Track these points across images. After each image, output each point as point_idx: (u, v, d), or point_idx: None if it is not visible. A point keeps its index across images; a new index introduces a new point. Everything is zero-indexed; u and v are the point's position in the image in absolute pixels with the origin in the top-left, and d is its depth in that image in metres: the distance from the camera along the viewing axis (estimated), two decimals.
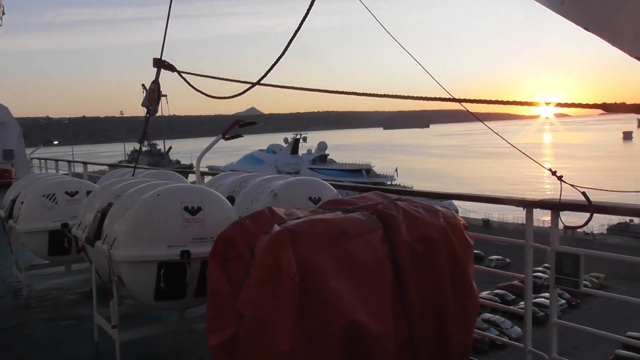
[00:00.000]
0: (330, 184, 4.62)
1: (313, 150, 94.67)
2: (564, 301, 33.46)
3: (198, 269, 3.65)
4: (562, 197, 3.53)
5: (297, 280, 2.39)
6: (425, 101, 3.09)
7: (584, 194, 3.38)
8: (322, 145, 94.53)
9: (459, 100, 2.78)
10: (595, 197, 3.61)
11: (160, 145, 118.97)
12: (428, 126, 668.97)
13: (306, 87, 3.59)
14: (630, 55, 2.04)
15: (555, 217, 3.58)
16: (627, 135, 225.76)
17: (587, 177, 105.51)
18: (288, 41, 3.58)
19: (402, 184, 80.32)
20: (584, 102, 2.11)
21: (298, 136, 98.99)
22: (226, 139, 5.74)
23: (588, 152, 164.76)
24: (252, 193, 4.26)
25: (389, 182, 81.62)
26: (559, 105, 2.22)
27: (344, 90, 3.38)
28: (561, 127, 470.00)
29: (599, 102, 2.06)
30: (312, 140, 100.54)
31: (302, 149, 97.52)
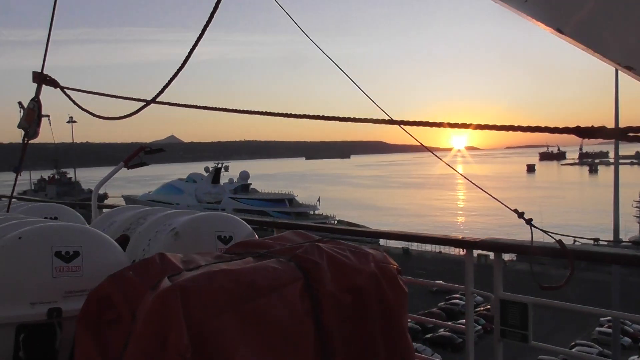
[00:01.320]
0: (245, 218, 3.93)
1: (235, 180, 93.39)
2: (479, 327, 34.82)
3: (73, 332, 2.69)
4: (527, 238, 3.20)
5: (188, 356, 1.87)
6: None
7: (559, 242, 3.00)
8: (244, 175, 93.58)
9: (399, 123, 2.42)
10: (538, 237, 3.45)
11: (70, 173, 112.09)
12: (349, 157, 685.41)
13: (217, 107, 3.20)
14: (619, 64, 1.66)
15: (498, 259, 3.20)
16: (530, 168, 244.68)
17: (492, 207, 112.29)
18: (183, 60, 3.31)
19: (324, 214, 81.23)
20: (550, 126, 1.70)
21: (219, 165, 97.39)
22: (129, 167, 5.11)
23: (494, 183, 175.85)
24: (150, 231, 3.48)
25: (311, 212, 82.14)
26: (528, 129, 1.74)
27: (254, 110, 2.96)
28: (471, 159, 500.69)
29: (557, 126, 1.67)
30: (234, 169, 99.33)
31: (224, 178, 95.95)
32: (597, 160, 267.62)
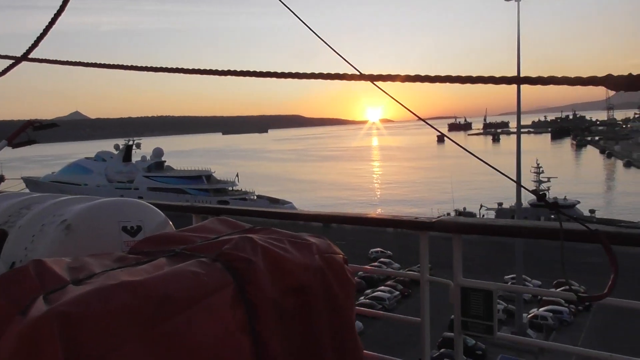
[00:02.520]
0: (157, 203, 3.26)
1: (148, 157, 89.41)
2: (397, 292, 36.38)
3: None
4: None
5: None
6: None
7: (580, 221, 2.21)
8: (158, 152, 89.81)
9: (368, 78, 1.95)
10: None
11: None
12: (266, 131, 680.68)
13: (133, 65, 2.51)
14: None
15: (457, 242, 2.74)
16: (440, 139, 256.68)
17: (405, 175, 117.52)
18: (54, 14, 2.87)
19: (243, 189, 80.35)
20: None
21: (130, 142, 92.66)
22: (14, 146, 4.27)
23: (408, 154, 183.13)
24: (34, 225, 2.78)
25: (230, 188, 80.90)
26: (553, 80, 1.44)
27: (177, 68, 2.34)
28: (385, 131, 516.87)
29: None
30: (146, 146, 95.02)
31: (136, 156, 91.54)
32: (499, 130, 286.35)
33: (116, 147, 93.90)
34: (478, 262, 43.13)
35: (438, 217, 2.85)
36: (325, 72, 1.96)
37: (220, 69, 2.23)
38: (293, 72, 2.04)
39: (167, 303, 1.65)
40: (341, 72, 1.94)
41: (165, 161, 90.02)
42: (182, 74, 2.38)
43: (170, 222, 2.86)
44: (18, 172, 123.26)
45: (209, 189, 79.89)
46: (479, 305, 2.69)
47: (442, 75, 1.62)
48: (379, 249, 47.04)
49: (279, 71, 2.03)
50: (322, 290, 2.13)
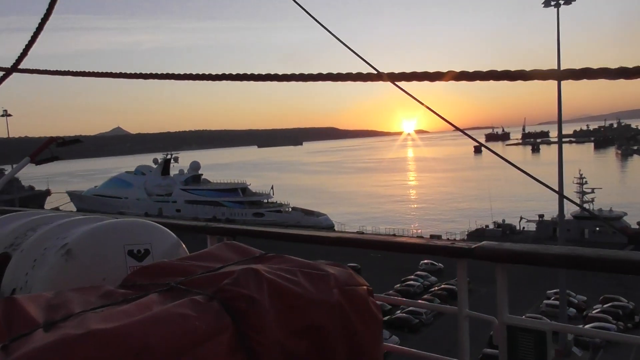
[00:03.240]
0: (170, 222, 3.14)
1: (185, 171, 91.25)
2: None
3: None
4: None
5: None
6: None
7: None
8: (195, 165, 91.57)
9: (388, 78, 1.83)
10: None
11: (8, 170, 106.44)
12: (301, 143, 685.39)
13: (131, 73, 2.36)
14: None
15: (502, 272, 2.32)
16: (477, 149, 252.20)
17: (441, 187, 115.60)
18: (40, 21, 2.80)
19: (278, 201, 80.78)
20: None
21: (169, 156, 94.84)
22: (37, 163, 4.29)
23: (444, 165, 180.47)
24: (37, 248, 2.58)
25: (265, 200, 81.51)
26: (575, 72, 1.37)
27: (208, 74, 2.13)
28: (421, 142, 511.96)
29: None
30: (184, 160, 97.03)
31: (174, 170, 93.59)
32: (538, 140, 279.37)
33: (155, 161, 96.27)
34: (516, 275, 41.80)
35: (477, 244, 2.37)
36: (342, 73, 1.79)
37: (214, 74, 2.07)
38: (305, 73, 1.86)
39: (147, 355, 1.37)
40: (361, 73, 1.77)
41: (202, 174, 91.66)
42: (177, 80, 2.27)
43: (183, 245, 2.59)
44: (64, 186, 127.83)
45: (245, 202, 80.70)
46: (529, 348, 2.25)
47: (470, 71, 1.59)
48: (428, 260, 46.00)
49: (289, 74, 1.91)
50: (340, 329, 1.81)
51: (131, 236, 2.48)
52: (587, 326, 30.83)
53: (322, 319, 1.78)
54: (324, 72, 1.82)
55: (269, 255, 2.10)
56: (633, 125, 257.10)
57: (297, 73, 1.89)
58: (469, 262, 2.41)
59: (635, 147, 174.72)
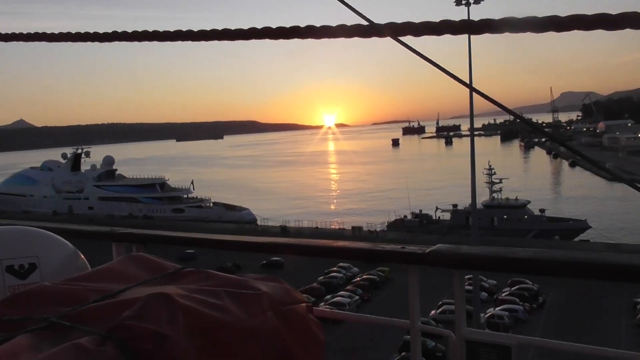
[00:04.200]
0: (68, 229, 2.70)
1: (98, 166, 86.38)
2: (357, 297, 36.30)
3: None
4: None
5: None
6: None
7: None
8: (109, 160, 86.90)
9: (390, 33, 1.27)
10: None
11: None
12: (222, 137, 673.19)
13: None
14: None
15: (460, 280, 2.02)
16: (395, 142, 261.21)
17: (362, 179, 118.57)
18: None
19: (198, 196, 78.77)
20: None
21: (79, 150, 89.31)
22: None
23: (364, 158, 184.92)
24: None
25: (185, 195, 79.17)
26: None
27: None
28: (341, 136, 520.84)
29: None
30: (96, 154, 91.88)
31: (86, 165, 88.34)
32: (451, 133, 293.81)
33: (64, 156, 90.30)
34: None
35: (431, 248, 2.03)
36: (332, 26, 1.37)
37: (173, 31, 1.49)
38: (287, 27, 1.40)
39: None
40: (359, 25, 1.35)
41: (116, 169, 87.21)
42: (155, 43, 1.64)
43: (82, 256, 2.12)
44: None
45: (163, 197, 77.89)
46: None
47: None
48: None
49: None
50: (277, 358, 1.54)
51: (10, 248, 1.98)
52: (497, 309, 32.90)
53: (254, 351, 1.47)
54: (311, 25, 1.39)
55: (186, 270, 1.71)
56: (534, 119, 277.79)
57: (274, 27, 1.44)
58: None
59: (536, 140, 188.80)
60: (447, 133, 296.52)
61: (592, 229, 53.83)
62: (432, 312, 31.58)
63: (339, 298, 35.38)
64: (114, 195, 79.75)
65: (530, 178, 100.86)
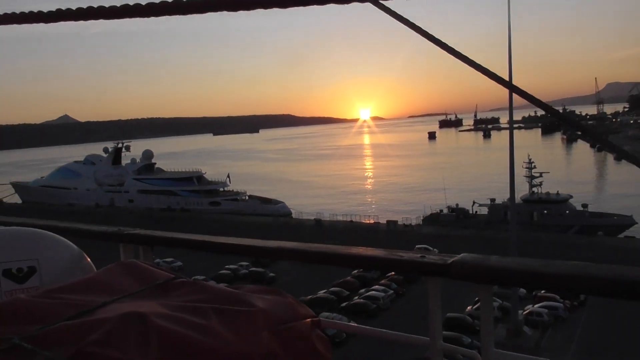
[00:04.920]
0: (71, 229, 2.62)
1: (138, 160, 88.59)
2: (392, 292, 35.97)
3: None
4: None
5: None
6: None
7: None
8: (148, 154, 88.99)
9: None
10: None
11: None
12: (257, 131, 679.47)
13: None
14: None
15: (487, 295, 1.76)
16: (432, 136, 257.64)
17: (397, 172, 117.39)
18: None
19: (234, 190, 79.76)
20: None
21: (120, 145, 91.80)
22: None
23: (400, 152, 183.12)
24: None
25: (221, 189, 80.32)
26: None
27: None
28: (376, 129, 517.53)
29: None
30: (136, 149, 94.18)
31: (126, 159, 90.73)
32: (489, 126, 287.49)
33: (105, 150, 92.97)
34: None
35: (453, 257, 1.76)
36: None
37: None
38: None
39: None
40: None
41: (155, 163, 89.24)
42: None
43: (87, 259, 2.00)
44: (7, 177, 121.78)
45: (200, 190, 79.25)
46: None
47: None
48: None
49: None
50: None
51: (9, 250, 1.86)
52: (536, 306, 31.95)
53: None
54: None
55: (177, 281, 1.55)
56: (577, 112, 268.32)
57: None
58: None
59: (579, 133, 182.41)
60: (485, 126, 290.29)
61: (638, 224, 51.64)
62: (468, 307, 31.00)
63: (373, 292, 35.17)
64: (153, 189, 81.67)
65: (573, 172, 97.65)
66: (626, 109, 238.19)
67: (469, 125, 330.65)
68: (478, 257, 1.76)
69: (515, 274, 1.66)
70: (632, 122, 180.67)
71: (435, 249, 45.22)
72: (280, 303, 1.49)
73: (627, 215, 53.00)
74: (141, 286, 1.53)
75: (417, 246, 45.47)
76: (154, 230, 2.60)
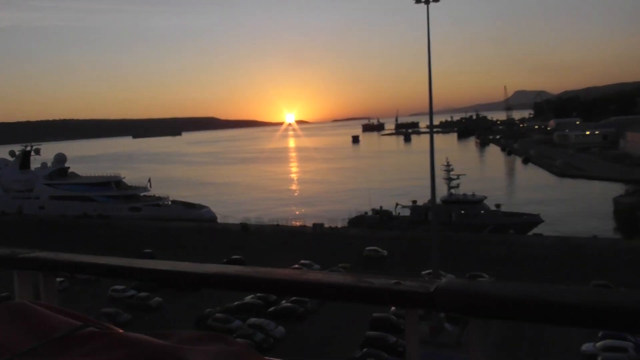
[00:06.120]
0: None
1: (49, 164, 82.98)
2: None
3: None
4: None
5: None
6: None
7: None
8: (60, 157, 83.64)
9: None
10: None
11: None
12: (180, 134, 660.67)
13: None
14: None
15: (480, 330, 1.47)
16: (355, 139, 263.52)
17: (322, 176, 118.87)
18: None
19: (156, 194, 76.89)
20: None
21: (28, 148, 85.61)
22: None
23: (325, 155, 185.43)
24: None
25: (142, 194, 77.14)
26: None
27: None
28: (301, 132, 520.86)
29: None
30: (47, 152, 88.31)
31: (36, 163, 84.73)
32: (410, 130, 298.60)
33: (12, 153, 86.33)
34: (396, 259, 44.24)
35: (436, 282, 1.46)
36: None
37: None
38: None
39: None
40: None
41: (68, 167, 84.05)
42: None
43: None
44: None
45: (119, 195, 75.62)
46: None
47: None
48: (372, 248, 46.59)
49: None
50: None
51: None
52: (599, 344, 26.96)
53: None
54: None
55: (84, 332, 1.12)
56: (489, 117, 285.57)
57: None
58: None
59: (491, 137, 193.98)
60: (406, 130, 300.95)
61: (545, 222, 55.77)
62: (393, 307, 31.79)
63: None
64: (67, 194, 76.85)
65: (486, 174, 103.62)
66: (531, 115, 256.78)
67: (391, 129, 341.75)
68: (466, 283, 1.44)
69: (516, 303, 1.32)
70: (536, 127, 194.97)
71: (384, 251, 46.38)
72: (225, 355, 1.11)
73: (535, 214, 57.13)
74: (32, 341, 1.10)
75: (366, 248, 46.44)
76: (57, 250, 2.06)
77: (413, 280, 1.50)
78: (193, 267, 1.77)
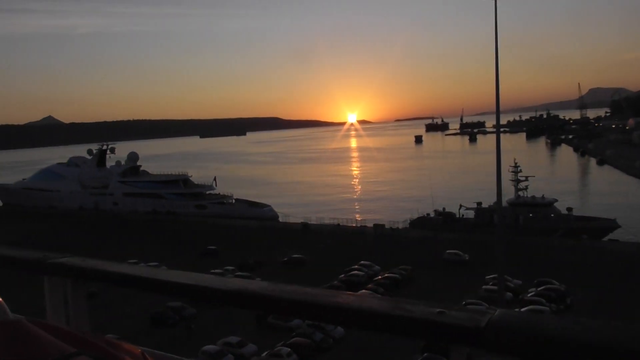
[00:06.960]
0: None
1: (123, 162, 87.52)
2: (378, 296, 35.69)
3: None
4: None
5: None
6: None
7: None
8: (133, 156, 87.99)
9: None
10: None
11: None
12: (245, 134, 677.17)
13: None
14: None
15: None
16: (418, 139, 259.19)
17: (384, 176, 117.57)
18: None
19: (221, 193, 79.15)
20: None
21: (104, 147, 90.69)
22: None
23: (386, 155, 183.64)
24: None
25: (207, 192, 79.70)
26: None
27: None
28: (364, 132, 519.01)
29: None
30: (121, 151, 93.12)
31: (111, 161, 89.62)
32: (475, 130, 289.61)
33: (90, 152, 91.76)
34: (475, 263, 42.96)
35: (489, 314, 1.17)
36: None
37: None
38: None
39: None
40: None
41: (140, 166, 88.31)
42: None
43: (1, 301, 1.17)
44: None
45: (186, 193, 78.55)
46: None
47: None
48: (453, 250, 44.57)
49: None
50: None
51: None
52: (523, 309, 31.77)
53: None
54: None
55: (75, 357, 1.01)
56: (561, 116, 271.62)
57: None
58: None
59: (563, 137, 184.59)
60: (471, 130, 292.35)
61: (622, 227, 52.22)
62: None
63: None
64: (138, 191, 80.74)
65: (557, 176, 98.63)
66: (608, 114, 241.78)
67: (455, 129, 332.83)
68: (528, 318, 1.14)
69: (597, 351, 1.01)
70: (613, 126, 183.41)
71: (465, 255, 44.30)
72: None
73: (611, 219, 53.53)
74: None
75: (447, 251, 44.77)
76: (126, 246, 1.80)
77: (461, 310, 1.22)
78: (217, 282, 1.63)
